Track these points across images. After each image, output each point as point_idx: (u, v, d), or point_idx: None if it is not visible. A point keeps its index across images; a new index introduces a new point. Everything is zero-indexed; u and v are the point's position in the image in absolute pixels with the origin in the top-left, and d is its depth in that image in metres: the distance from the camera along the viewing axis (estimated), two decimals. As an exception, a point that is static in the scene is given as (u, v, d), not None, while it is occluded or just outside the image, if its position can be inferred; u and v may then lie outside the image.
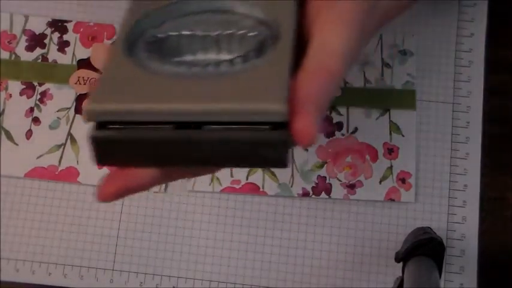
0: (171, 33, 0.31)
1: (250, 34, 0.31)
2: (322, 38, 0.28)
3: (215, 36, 0.31)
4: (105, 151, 0.27)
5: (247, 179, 0.49)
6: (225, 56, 0.29)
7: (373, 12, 0.31)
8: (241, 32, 0.31)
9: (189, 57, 0.30)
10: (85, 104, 0.26)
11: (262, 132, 0.25)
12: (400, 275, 0.43)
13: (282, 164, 0.26)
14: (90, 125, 0.27)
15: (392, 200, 0.48)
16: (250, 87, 0.26)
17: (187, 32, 0.31)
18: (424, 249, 0.42)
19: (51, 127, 0.51)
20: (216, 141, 0.26)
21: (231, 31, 0.31)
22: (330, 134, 0.49)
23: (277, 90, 0.26)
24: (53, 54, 0.52)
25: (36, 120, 0.51)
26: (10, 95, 0.52)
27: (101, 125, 0.27)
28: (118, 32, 0.31)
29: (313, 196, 0.48)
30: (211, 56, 0.30)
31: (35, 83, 0.52)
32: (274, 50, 0.28)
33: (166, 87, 0.27)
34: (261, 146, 0.26)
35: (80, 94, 0.51)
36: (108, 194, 0.28)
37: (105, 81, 0.28)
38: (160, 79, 0.27)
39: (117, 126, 0.26)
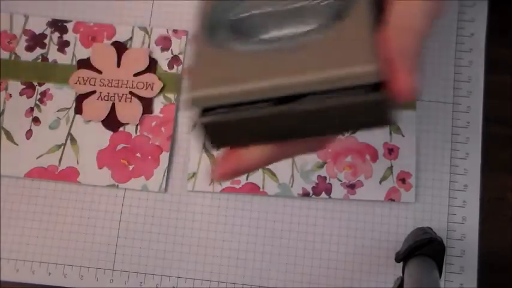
0: (242, 15, 0.31)
1: (323, 3, 0.30)
2: None
3: (287, 10, 0.31)
4: (215, 134, 0.28)
5: (247, 179, 0.49)
6: (301, 29, 0.29)
7: None
8: (314, 2, 0.31)
9: (266, 35, 0.30)
10: (186, 93, 0.28)
11: (359, 96, 0.26)
12: (400, 275, 0.43)
13: (386, 122, 0.27)
14: (189, 112, 0.29)
15: (392, 200, 0.48)
16: (337, 52, 0.27)
17: (259, 11, 0.31)
18: (424, 249, 0.42)
19: (51, 127, 0.51)
20: (316, 111, 0.27)
21: (303, 3, 0.31)
22: (330, 134, 0.49)
23: (366, 52, 0.26)
24: (53, 54, 0.52)
25: (36, 120, 0.51)
26: (10, 95, 0.52)
27: (204, 111, 0.28)
28: (197, 20, 0.32)
29: (313, 196, 0.48)
30: (287, 30, 0.30)
31: (35, 83, 0.52)
32: (351, 14, 0.28)
33: (256, 65, 0.28)
34: (361, 109, 0.26)
35: (79, 94, 0.51)
36: (223, 175, 0.29)
37: (198, 69, 0.29)
38: (248, 58, 0.28)
39: (221, 110, 0.28)
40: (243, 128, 0.28)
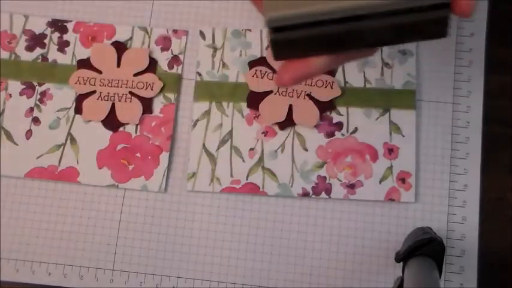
0: None
1: None
2: None
3: None
4: (282, 49, 0.31)
5: (247, 179, 0.49)
6: None
7: None
8: None
9: None
10: (262, 13, 0.30)
11: (427, 13, 0.29)
12: (400, 275, 0.43)
13: (444, 35, 0.30)
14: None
15: (392, 200, 0.48)
16: None
17: None
18: (424, 249, 0.42)
19: (51, 127, 0.51)
20: (382, 28, 0.29)
21: None
22: (330, 134, 0.49)
23: None
24: (53, 54, 0.52)
25: (36, 120, 0.51)
26: (10, 95, 0.52)
27: (276, 29, 0.30)
28: None
29: (313, 196, 0.48)
30: None
31: (35, 83, 0.52)
32: None
33: None
34: (425, 24, 0.29)
35: (79, 94, 0.51)
36: (286, 80, 0.32)
37: None
38: None
39: (291, 28, 0.30)
40: (307, 43, 0.30)
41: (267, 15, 0.30)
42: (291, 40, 0.30)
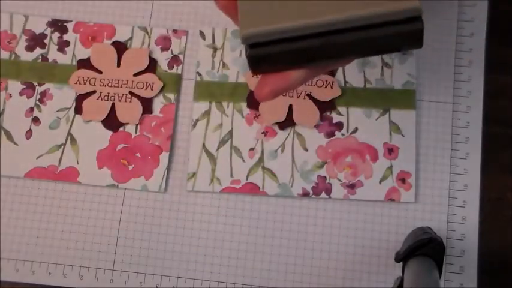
0: None
1: None
2: None
3: None
4: (260, 64, 0.32)
5: (247, 179, 0.49)
6: None
7: None
8: None
9: None
10: (240, 30, 0.31)
11: (401, 26, 0.29)
12: (400, 275, 0.43)
13: (420, 45, 0.30)
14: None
15: (392, 200, 0.48)
16: None
17: None
18: (424, 249, 0.42)
19: (51, 127, 0.51)
20: (359, 40, 0.30)
21: None
22: (330, 134, 0.49)
23: None
24: (53, 54, 0.52)
25: (36, 120, 0.51)
26: (10, 95, 0.52)
27: (252, 45, 0.31)
28: None
29: (313, 196, 0.48)
30: None
31: (35, 83, 0.52)
32: None
33: (300, 4, 0.30)
34: (401, 37, 0.30)
35: (79, 94, 0.51)
36: (265, 94, 0.32)
37: (246, 8, 0.31)
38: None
39: (267, 43, 0.31)
40: (286, 57, 0.31)
41: (243, 33, 0.30)
42: (267, 55, 0.31)
